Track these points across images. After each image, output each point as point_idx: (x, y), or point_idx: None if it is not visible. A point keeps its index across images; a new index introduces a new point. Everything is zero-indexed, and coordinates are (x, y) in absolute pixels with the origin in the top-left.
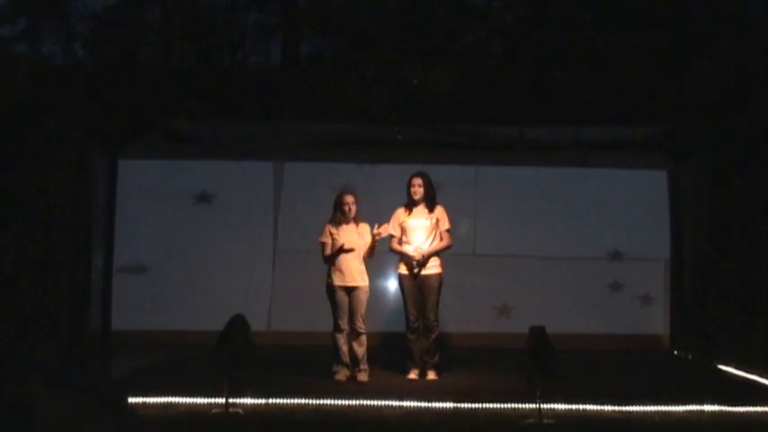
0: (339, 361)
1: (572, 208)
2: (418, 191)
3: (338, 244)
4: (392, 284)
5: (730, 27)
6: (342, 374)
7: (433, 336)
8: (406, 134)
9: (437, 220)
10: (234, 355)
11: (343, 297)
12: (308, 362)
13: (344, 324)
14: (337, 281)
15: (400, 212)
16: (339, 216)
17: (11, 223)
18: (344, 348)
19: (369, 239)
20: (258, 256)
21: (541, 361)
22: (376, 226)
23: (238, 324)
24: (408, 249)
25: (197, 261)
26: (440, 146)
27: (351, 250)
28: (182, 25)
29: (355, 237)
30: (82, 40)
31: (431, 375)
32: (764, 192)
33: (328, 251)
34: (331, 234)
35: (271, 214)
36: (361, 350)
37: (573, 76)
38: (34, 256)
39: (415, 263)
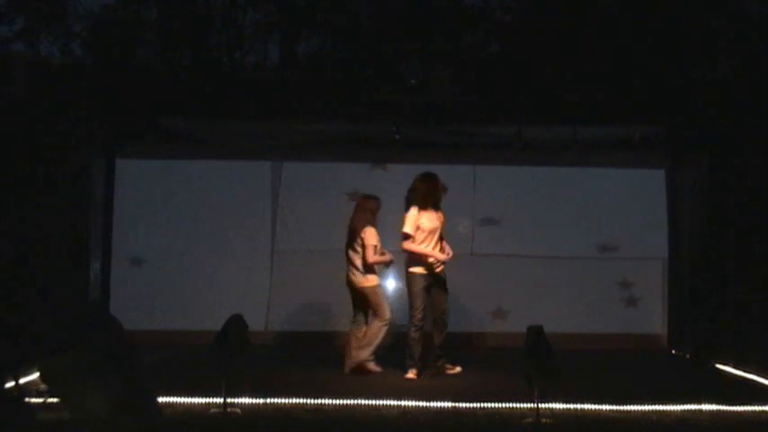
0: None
1: (570, 207)
2: (443, 195)
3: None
4: (389, 284)
5: (729, 26)
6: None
7: (446, 329)
8: (404, 134)
9: (443, 221)
10: (232, 354)
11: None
12: (305, 361)
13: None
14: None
15: (417, 214)
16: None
17: (8, 222)
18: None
19: (371, 241)
20: (256, 256)
21: (539, 360)
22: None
23: (236, 324)
24: (439, 255)
25: (195, 261)
26: (437, 145)
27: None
28: (180, 25)
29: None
30: (80, 40)
31: (457, 368)
32: (762, 191)
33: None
34: None
35: (269, 214)
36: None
37: (570, 76)
38: (32, 255)
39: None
